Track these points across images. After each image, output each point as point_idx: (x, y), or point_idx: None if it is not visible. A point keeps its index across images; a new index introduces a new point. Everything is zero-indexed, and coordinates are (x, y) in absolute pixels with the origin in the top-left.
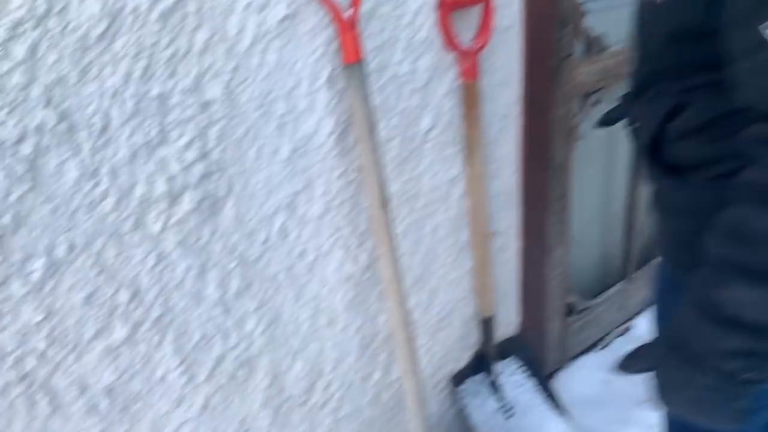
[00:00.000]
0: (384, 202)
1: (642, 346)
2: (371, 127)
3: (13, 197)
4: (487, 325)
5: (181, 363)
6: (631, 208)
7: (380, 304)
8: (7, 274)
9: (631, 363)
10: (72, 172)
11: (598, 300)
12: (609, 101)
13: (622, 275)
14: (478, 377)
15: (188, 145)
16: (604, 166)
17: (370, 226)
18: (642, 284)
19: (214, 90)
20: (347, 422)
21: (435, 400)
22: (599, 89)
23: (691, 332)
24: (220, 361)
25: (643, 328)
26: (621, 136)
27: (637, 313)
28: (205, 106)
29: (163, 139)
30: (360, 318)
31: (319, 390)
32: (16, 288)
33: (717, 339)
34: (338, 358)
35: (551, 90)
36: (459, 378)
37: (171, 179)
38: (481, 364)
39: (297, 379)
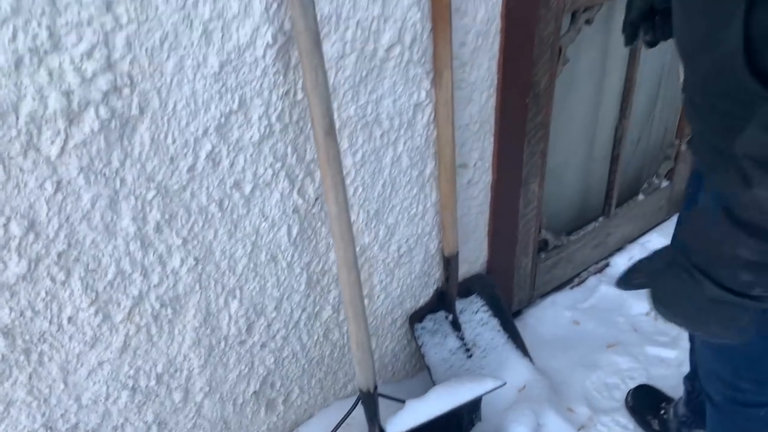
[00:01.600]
0: (329, 130)
1: (645, 258)
2: (314, 41)
3: None
4: (449, 262)
5: (93, 302)
6: (617, 140)
7: (333, 239)
8: None
9: (631, 277)
10: None
11: (574, 237)
12: (602, 21)
13: (602, 211)
14: (439, 315)
15: (89, 53)
16: (591, 93)
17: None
18: (622, 221)
19: None
20: (291, 362)
21: (391, 338)
22: (591, 6)
23: (707, 236)
24: (140, 299)
25: (622, 267)
26: (611, 60)
27: (617, 251)
28: (109, 6)
29: (55, 44)
30: (308, 254)
31: (259, 329)
32: None
33: (735, 244)
34: (282, 296)
35: (537, 5)
36: (418, 316)
37: (68, 94)
38: (442, 301)
39: (233, 318)
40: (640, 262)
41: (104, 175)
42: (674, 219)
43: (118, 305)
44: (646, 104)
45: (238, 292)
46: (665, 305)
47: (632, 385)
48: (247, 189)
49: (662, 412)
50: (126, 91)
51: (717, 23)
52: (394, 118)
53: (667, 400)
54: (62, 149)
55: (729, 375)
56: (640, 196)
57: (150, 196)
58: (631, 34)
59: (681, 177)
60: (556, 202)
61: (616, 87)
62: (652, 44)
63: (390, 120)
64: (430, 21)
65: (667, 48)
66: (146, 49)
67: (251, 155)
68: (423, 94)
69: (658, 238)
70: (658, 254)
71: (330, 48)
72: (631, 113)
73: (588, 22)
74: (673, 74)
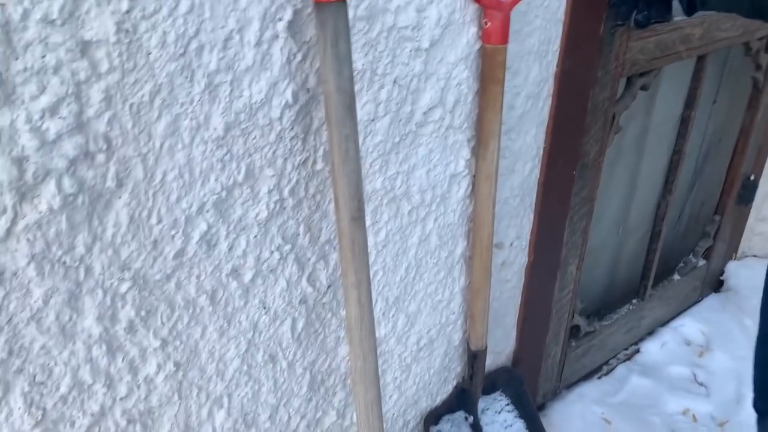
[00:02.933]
0: (356, 215)
1: None
2: (347, 105)
3: None
4: (476, 357)
5: (39, 422)
6: (659, 217)
7: (343, 332)
8: None
9: None
10: None
11: (606, 322)
12: (656, 86)
13: (636, 293)
14: (457, 416)
15: (52, 109)
16: (635, 165)
17: (336, 237)
18: (656, 303)
19: (100, 26)
20: None
21: None
22: (650, 71)
23: None
24: (101, 416)
25: (654, 354)
26: (659, 130)
27: (649, 334)
28: (85, 49)
29: (6, 96)
30: (313, 351)
31: None
32: None
33: None
34: (278, 402)
35: (595, 66)
36: (434, 416)
37: (20, 161)
38: (462, 400)
39: None
40: None
41: (64, 264)
42: (707, 302)
43: (72, 425)
44: (688, 178)
45: (225, 400)
46: None
47: None
48: (247, 277)
49: None
50: (100, 158)
51: None
52: (426, 191)
53: None
54: (8, 232)
55: None
56: (676, 276)
57: (123, 288)
58: (625, 11)
59: (719, 255)
60: (589, 283)
61: (661, 159)
62: (643, 24)
63: (421, 194)
64: (477, 81)
65: (712, 117)
66: (131, 106)
67: (255, 236)
68: (461, 164)
69: (692, 322)
70: None
71: (360, 109)
72: (676, 188)
73: (644, 88)
74: (714, 145)
